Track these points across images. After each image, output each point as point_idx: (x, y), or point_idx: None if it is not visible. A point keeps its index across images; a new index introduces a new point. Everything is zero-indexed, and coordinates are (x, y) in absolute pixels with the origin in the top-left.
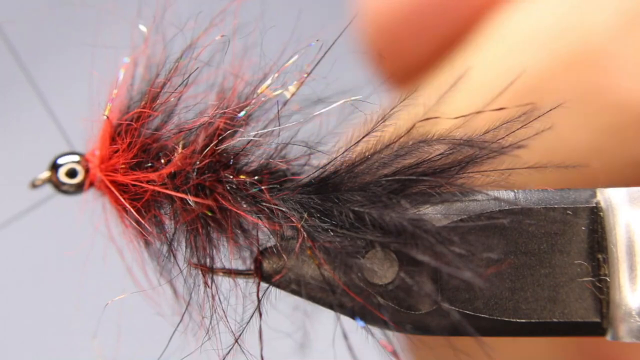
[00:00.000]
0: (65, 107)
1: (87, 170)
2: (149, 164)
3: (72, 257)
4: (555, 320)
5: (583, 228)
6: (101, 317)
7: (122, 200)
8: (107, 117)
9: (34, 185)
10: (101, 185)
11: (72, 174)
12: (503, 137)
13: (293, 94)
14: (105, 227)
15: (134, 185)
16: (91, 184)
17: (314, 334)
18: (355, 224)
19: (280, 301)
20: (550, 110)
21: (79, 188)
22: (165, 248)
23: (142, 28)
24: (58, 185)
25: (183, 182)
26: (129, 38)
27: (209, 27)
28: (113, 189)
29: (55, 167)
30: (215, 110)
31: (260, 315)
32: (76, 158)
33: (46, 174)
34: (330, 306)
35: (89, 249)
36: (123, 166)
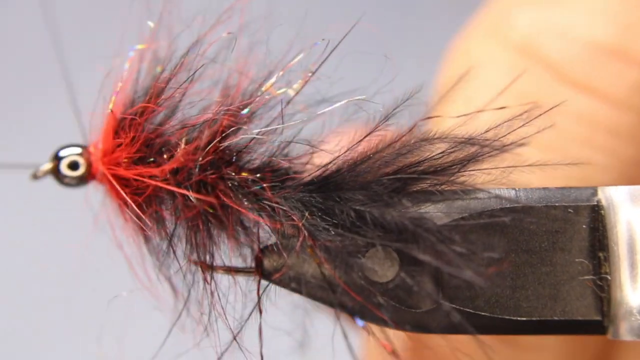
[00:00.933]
0: (70, 99)
1: (89, 163)
2: (152, 159)
3: (72, 251)
4: (556, 318)
5: (584, 226)
6: (102, 313)
7: (123, 194)
8: (111, 111)
9: (35, 177)
10: (103, 179)
11: (74, 166)
12: (504, 135)
13: (297, 93)
14: (106, 220)
15: (135, 180)
16: (93, 177)
17: (313, 332)
18: (357, 222)
19: (280, 299)
20: (552, 108)
21: (80, 181)
22: (165, 244)
23: (150, 24)
24: (59, 177)
25: (185, 178)
26: (136, 32)
27: (215, 24)
28: (114, 182)
29: (57, 158)
30: (219, 107)
31: (261, 312)
32: (78, 150)
33: (48, 166)
34: (330, 305)
35: (89, 243)
36: (125, 160)
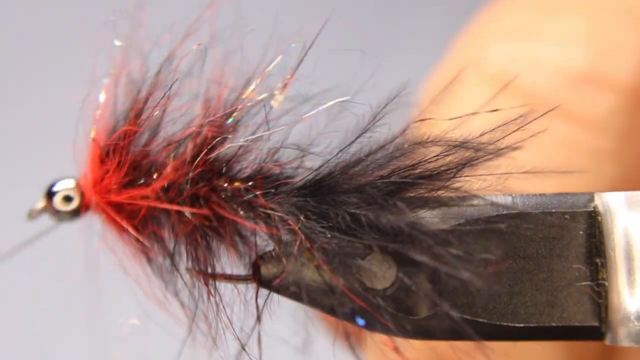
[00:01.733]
0: (51, 134)
1: (82, 195)
2: (142, 181)
3: (77, 283)
4: (553, 324)
5: (581, 232)
6: (118, 338)
7: (119, 219)
8: (94, 139)
9: (31, 216)
10: (97, 208)
11: (67, 199)
12: (499, 139)
13: (280, 95)
14: (107, 248)
15: (129, 204)
16: (87, 208)
17: (316, 336)
18: (352, 225)
19: (283, 307)
20: (547, 112)
21: (76, 214)
22: (167, 262)
23: (117, 43)
24: (55, 213)
25: (177, 194)
26: (107, 57)
27: (185, 37)
28: (108, 209)
29: (49, 194)
30: (203, 119)
31: (260, 321)
32: (71, 183)
33: (42, 203)
34: (330, 310)
35: (92, 272)
36: (115, 186)
